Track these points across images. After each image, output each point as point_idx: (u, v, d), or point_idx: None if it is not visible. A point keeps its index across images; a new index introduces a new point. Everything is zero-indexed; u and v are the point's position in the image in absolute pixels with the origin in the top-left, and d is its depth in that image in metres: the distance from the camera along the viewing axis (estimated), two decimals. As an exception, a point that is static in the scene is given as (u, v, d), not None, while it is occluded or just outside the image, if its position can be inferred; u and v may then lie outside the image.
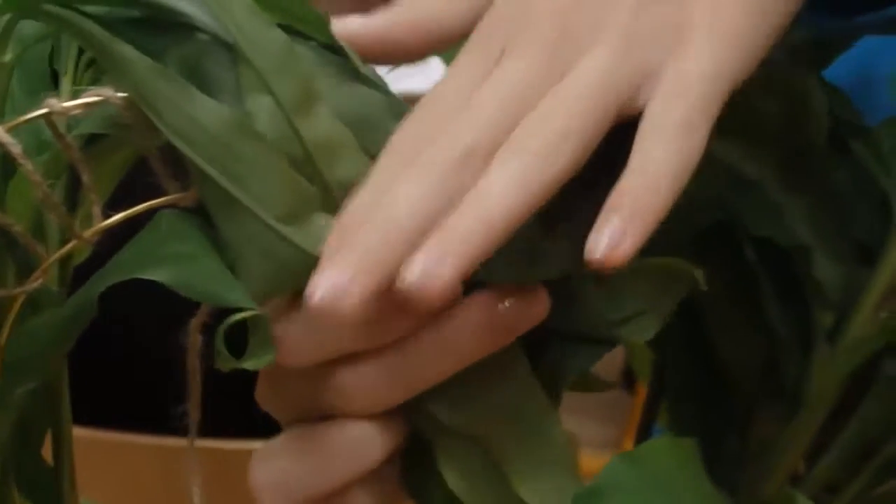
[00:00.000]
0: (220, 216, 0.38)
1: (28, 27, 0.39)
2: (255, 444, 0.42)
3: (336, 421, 0.40)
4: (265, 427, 0.42)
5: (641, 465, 0.39)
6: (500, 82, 0.38)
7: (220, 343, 0.37)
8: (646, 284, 0.40)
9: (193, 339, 0.39)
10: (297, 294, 0.39)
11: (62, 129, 0.38)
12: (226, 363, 0.37)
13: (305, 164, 0.38)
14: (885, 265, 0.42)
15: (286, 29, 0.39)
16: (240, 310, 0.37)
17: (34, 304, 0.39)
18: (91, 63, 0.41)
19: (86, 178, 0.38)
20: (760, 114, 0.42)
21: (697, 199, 0.41)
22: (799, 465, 0.44)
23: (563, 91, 0.37)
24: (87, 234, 0.38)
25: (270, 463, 0.40)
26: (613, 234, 0.35)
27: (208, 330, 0.39)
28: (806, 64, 0.43)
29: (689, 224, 0.41)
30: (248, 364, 0.37)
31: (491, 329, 0.39)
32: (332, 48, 0.39)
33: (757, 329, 0.43)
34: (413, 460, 0.41)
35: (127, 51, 0.37)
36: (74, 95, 0.38)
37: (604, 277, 0.40)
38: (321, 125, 0.38)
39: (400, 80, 0.40)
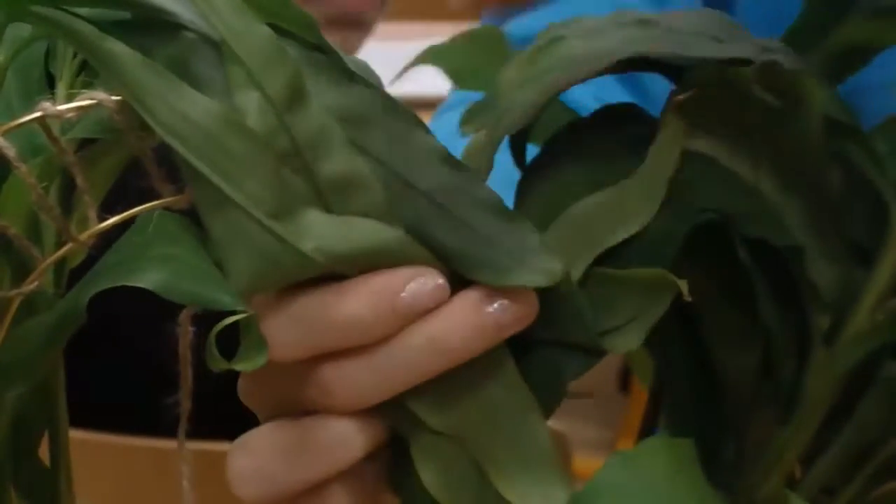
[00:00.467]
0: (209, 213, 0.38)
1: (23, 30, 0.39)
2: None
3: (318, 416, 0.40)
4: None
5: (638, 466, 0.39)
6: None
7: (211, 345, 0.37)
8: (632, 295, 0.40)
9: (184, 329, 0.39)
10: (284, 290, 0.39)
11: (56, 132, 0.38)
12: (217, 364, 0.37)
13: (294, 159, 0.38)
14: (881, 267, 0.42)
15: (274, 29, 0.39)
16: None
17: (30, 306, 0.39)
18: (84, 66, 0.41)
19: (80, 181, 0.38)
20: (755, 112, 0.42)
21: (690, 200, 0.41)
22: (796, 468, 0.44)
23: None
24: (83, 236, 0.38)
25: (249, 453, 0.40)
26: None
27: (199, 330, 0.39)
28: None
29: (682, 225, 0.41)
30: (240, 366, 0.37)
31: (480, 329, 0.39)
32: (320, 48, 0.39)
33: (753, 331, 0.43)
34: (397, 458, 0.41)
35: (117, 47, 0.37)
36: (69, 99, 0.38)
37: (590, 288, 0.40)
38: (310, 120, 0.38)
39: (391, 84, 0.40)
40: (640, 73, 0.78)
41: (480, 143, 0.43)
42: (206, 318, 0.38)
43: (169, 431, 0.40)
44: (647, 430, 0.48)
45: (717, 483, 0.41)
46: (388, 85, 0.41)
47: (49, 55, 0.42)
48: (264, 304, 0.39)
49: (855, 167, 0.43)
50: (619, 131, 0.44)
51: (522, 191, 0.44)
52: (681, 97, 0.42)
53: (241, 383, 0.42)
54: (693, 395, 0.45)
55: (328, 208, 0.38)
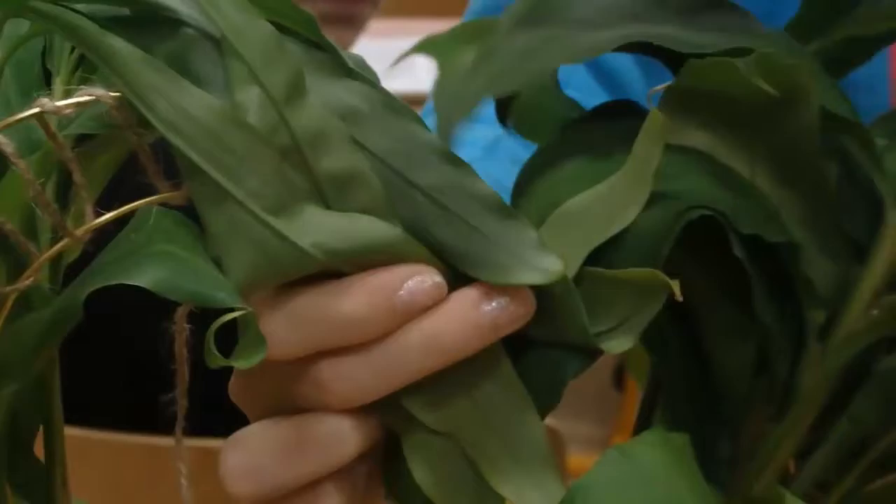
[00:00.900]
0: (208, 208, 0.38)
1: (21, 26, 0.39)
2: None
3: (312, 413, 0.40)
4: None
5: (634, 459, 0.39)
6: None
7: (209, 342, 0.37)
8: (625, 296, 0.40)
9: (180, 326, 0.39)
10: (282, 288, 0.39)
11: (54, 128, 0.38)
12: (215, 361, 0.37)
13: (295, 154, 0.38)
14: (876, 262, 0.42)
15: (274, 26, 0.39)
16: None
17: (26, 302, 0.39)
18: (81, 62, 0.41)
19: (77, 176, 0.38)
20: (751, 104, 0.42)
21: (684, 196, 0.41)
22: (790, 463, 0.44)
23: None
24: (79, 232, 0.38)
25: (242, 450, 0.40)
26: None
27: (196, 326, 0.39)
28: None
29: (675, 222, 0.41)
30: (238, 363, 0.37)
31: (477, 328, 0.39)
32: (319, 45, 0.39)
33: (748, 327, 0.43)
34: (390, 457, 0.41)
35: (117, 43, 0.37)
36: (66, 95, 0.39)
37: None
38: (311, 116, 0.38)
39: (385, 80, 0.40)
40: (619, 76, 0.79)
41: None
42: (203, 315, 0.38)
43: (164, 428, 0.40)
44: (641, 427, 0.48)
45: (712, 478, 0.41)
46: (382, 79, 0.41)
47: (46, 51, 0.42)
48: (262, 301, 0.39)
49: (851, 162, 0.43)
50: (618, 126, 0.44)
51: (520, 187, 0.44)
52: (662, 87, 0.42)
53: (233, 381, 0.42)
54: (688, 392, 0.45)
55: (327, 204, 0.38)
